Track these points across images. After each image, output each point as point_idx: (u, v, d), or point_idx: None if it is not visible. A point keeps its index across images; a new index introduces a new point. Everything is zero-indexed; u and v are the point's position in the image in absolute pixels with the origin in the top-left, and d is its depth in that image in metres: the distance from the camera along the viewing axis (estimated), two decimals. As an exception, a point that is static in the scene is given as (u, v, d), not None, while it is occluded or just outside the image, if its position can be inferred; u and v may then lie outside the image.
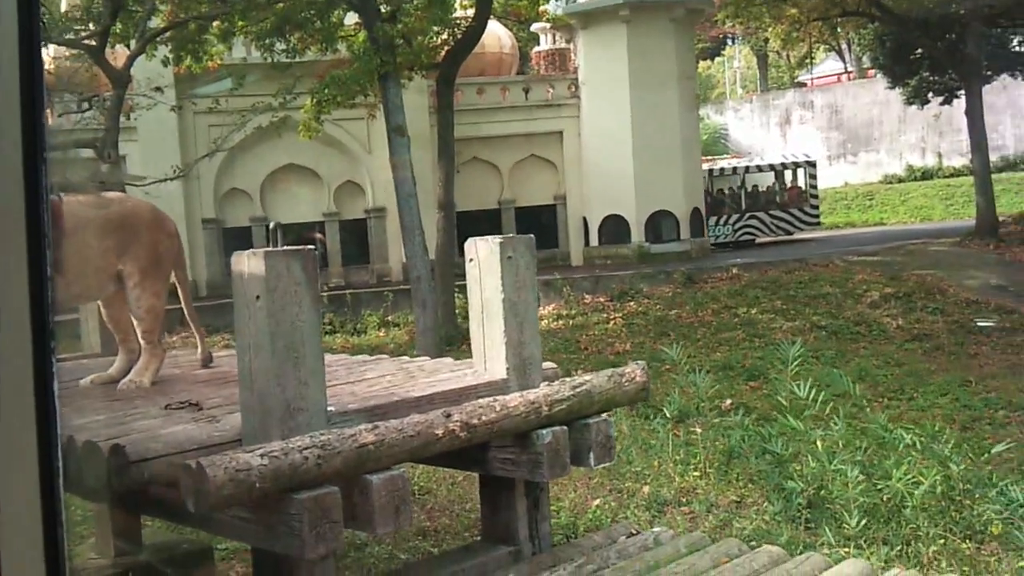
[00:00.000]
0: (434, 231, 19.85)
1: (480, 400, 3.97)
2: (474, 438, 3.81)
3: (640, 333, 20.41)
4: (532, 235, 4.52)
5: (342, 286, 24.60)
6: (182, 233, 23.21)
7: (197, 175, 22.22)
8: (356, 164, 26.16)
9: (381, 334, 20.20)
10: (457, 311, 20.75)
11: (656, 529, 5.04)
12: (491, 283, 4.28)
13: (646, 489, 7.55)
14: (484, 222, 27.24)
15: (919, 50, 28.60)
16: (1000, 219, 26.58)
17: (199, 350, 5.99)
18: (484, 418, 3.83)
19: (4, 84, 1.22)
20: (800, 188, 33.39)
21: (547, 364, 4.59)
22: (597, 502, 6.96)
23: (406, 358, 5.62)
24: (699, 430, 8.62)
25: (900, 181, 40.15)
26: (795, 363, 8.38)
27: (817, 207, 34.07)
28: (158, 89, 15.76)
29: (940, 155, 40.33)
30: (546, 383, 4.32)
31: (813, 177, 33.64)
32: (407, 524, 3.52)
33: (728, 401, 14.62)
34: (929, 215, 37.14)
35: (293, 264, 3.54)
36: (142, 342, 5.23)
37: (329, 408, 3.72)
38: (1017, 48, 29.84)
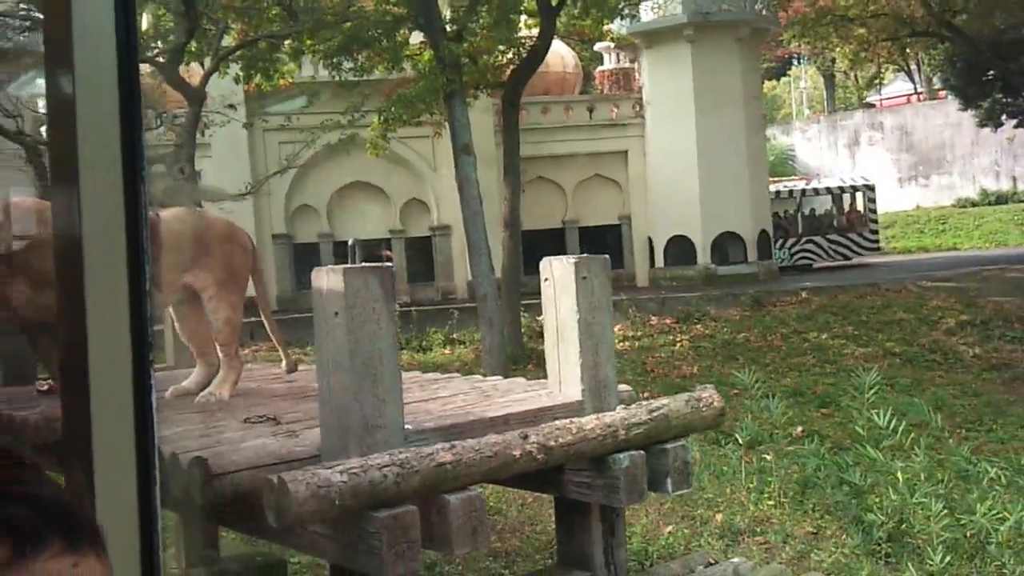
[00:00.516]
0: (499, 249, 19.86)
1: (556, 422, 3.91)
2: (550, 460, 3.75)
3: (707, 356, 20.13)
4: (607, 255, 4.45)
5: (408, 303, 24.73)
6: (252, 249, 23.51)
7: (268, 191, 22.59)
8: (422, 182, 26.36)
9: (447, 352, 20.23)
10: (523, 330, 20.72)
11: (735, 560, 4.91)
12: (566, 303, 4.22)
13: (719, 517, 7.39)
14: (548, 241, 27.24)
15: (991, 71, 27.94)
16: (1080, 245, 25.76)
17: (283, 361, 6.05)
18: (560, 440, 3.76)
19: (105, 102, 1.25)
20: (859, 212, 32.77)
21: (622, 387, 4.52)
22: (669, 528, 6.84)
23: (478, 377, 5.58)
24: (772, 457, 8.43)
25: (974, 205, 39.16)
26: (871, 391, 8.13)
27: (876, 232, 33.42)
28: (231, 106, 16.07)
29: (1015, 179, 39.27)
30: (622, 406, 4.24)
31: (872, 201, 33.01)
32: (484, 545, 3.47)
33: (799, 428, 14.32)
34: (1004, 240, 36.11)
35: (372, 281, 3.52)
36: (220, 354, 5.28)
37: (406, 426, 3.69)
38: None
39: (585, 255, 4.30)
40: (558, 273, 4.22)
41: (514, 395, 4.63)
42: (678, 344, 20.83)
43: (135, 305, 1.26)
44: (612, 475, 3.94)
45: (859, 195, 32.85)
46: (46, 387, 5.84)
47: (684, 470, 4.15)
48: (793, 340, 21.07)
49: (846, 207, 32.67)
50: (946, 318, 21.48)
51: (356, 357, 3.48)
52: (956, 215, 38.90)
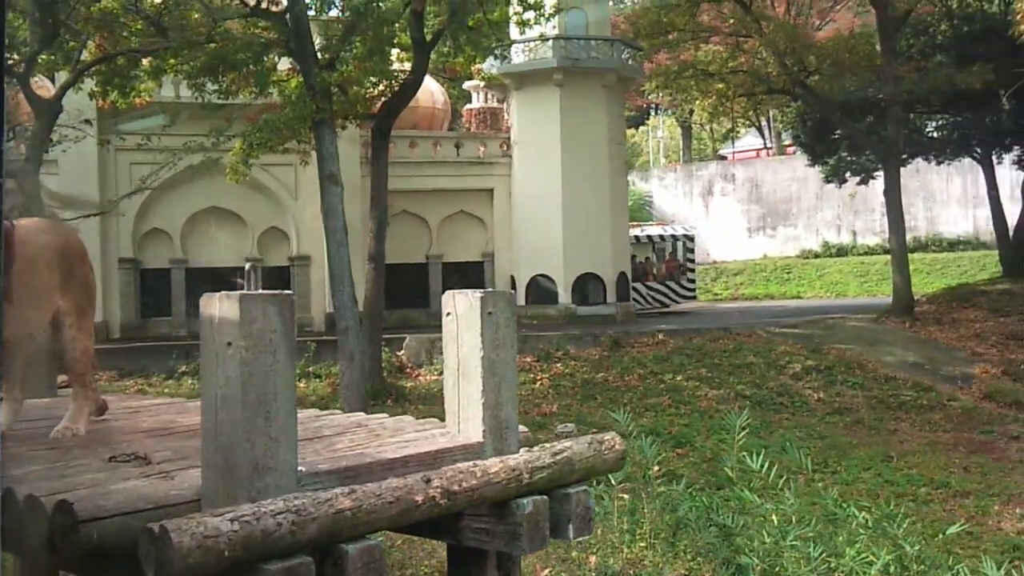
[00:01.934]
0: (362, 282, 19.49)
1: (459, 465, 3.69)
2: (454, 506, 3.53)
3: (567, 395, 20.26)
4: (513, 291, 4.30)
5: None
6: (97, 272, 22.44)
7: (119, 213, 21.50)
8: (282, 210, 25.70)
9: (302, 385, 19.60)
10: (384, 365, 20.33)
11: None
12: (469, 340, 4.03)
13: (593, 559, 7.29)
14: (412, 275, 27.03)
15: (838, 130, 29.59)
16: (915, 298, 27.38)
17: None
18: (464, 484, 3.55)
19: None
20: (678, 262, 33.98)
21: (521, 428, 4.34)
22: (546, 572, 6.67)
23: (362, 414, 5.29)
24: (644, 498, 8.41)
25: (816, 256, 41.31)
26: (742, 432, 8.25)
27: (693, 281, 34.84)
28: (87, 122, 15.21)
29: (855, 232, 41.67)
30: (525, 449, 4.06)
31: (691, 251, 34.44)
32: (382, 600, 3.19)
33: (656, 467, 14.52)
34: (844, 290, 38.17)
35: (270, 309, 3.24)
36: (76, 385, 4.79)
37: (299, 468, 3.40)
38: (932, 133, 31.09)
39: (491, 290, 4.12)
40: (462, 308, 4.03)
41: (406, 435, 4.38)
42: (538, 382, 20.89)
43: None
44: (514, 521, 3.75)
45: (679, 244, 34.07)
46: None
47: (586, 515, 4.00)
48: (650, 380, 21.49)
49: (667, 255, 33.69)
50: (793, 363, 22.35)
51: (249, 392, 3.17)
52: (800, 265, 40.90)
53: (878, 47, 26.22)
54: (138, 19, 16.00)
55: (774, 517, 6.96)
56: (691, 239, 34.60)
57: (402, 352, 22.06)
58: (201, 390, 3.33)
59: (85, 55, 16.37)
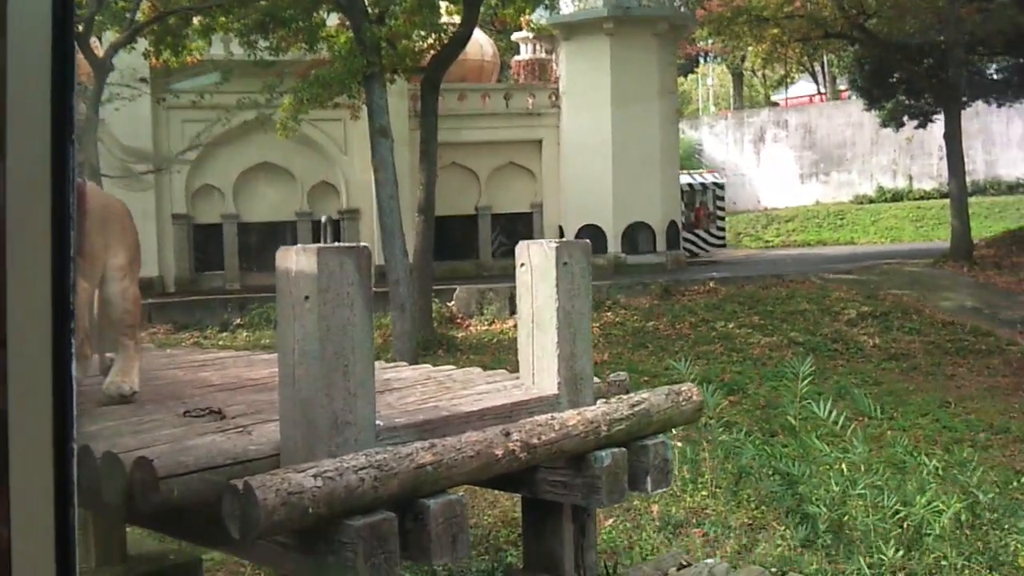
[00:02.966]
0: (412, 235, 19.49)
1: (537, 418, 3.63)
2: (533, 459, 3.47)
3: (618, 344, 20.18)
4: (588, 240, 4.19)
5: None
6: (152, 228, 22.54)
7: (177, 169, 21.71)
8: (331, 165, 25.73)
9: (355, 338, 19.70)
10: (434, 316, 20.40)
11: (708, 561, 4.73)
12: (544, 290, 3.94)
13: (655, 508, 7.24)
14: (461, 227, 27.01)
15: (897, 74, 28.78)
16: (973, 242, 26.77)
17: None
18: (543, 437, 3.49)
19: (36, 60, 1.18)
20: (708, 210, 33.41)
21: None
22: (610, 521, 6.65)
23: (428, 366, 5.26)
24: (706, 447, 8.34)
25: (871, 202, 40.41)
26: (805, 381, 8.10)
27: (723, 229, 34.22)
28: (143, 80, 15.26)
29: (911, 177, 40.68)
30: (602, 400, 3.99)
31: (720, 199, 33.82)
32: (465, 554, 3.17)
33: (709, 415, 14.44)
34: (899, 236, 37.38)
35: (347, 262, 3.17)
36: (124, 339, 4.70)
37: (377, 423, 3.36)
38: (993, 76, 30.12)
39: (566, 239, 4.03)
40: (536, 258, 3.93)
41: (478, 387, 4.32)
42: (590, 332, 20.80)
43: (58, 276, 1.17)
44: (592, 474, 3.69)
45: (709, 192, 33.48)
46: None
47: (664, 468, 3.93)
48: (701, 329, 21.31)
49: (696, 204, 33.13)
50: (847, 309, 22.00)
51: (327, 346, 3.12)
52: (854, 211, 40.07)
53: (940, -12, 25.37)
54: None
55: (843, 466, 6.84)
56: (721, 187, 34.01)
57: (452, 303, 22.11)
58: (278, 344, 3.30)
59: (139, 15, 16.42)
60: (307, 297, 3.12)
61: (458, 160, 26.57)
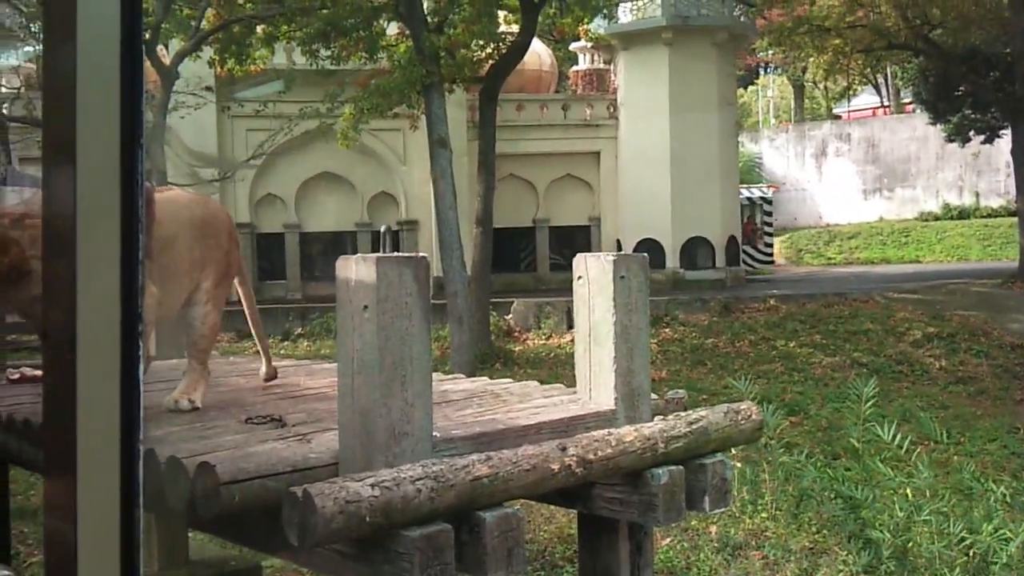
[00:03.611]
0: (470, 246, 19.55)
1: (593, 433, 3.59)
2: (589, 475, 3.44)
3: (676, 360, 20.00)
4: (646, 254, 4.16)
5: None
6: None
7: (240, 178, 22.09)
8: (391, 175, 25.97)
9: (412, 349, 19.81)
10: (491, 329, 20.42)
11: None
12: (602, 304, 3.91)
13: (714, 529, 7.13)
14: (518, 239, 27.04)
15: (962, 87, 28.19)
16: (1043, 262, 26.04)
17: (263, 365, 5.44)
18: (600, 453, 3.45)
19: (105, 66, 1.20)
20: (755, 225, 32.88)
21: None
22: (667, 541, 6.56)
23: (485, 379, 5.25)
24: (766, 468, 8.20)
25: (936, 219, 39.53)
26: (869, 404, 7.92)
27: (771, 246, 33.61)
28: (208, 88, 15.58)
29: (978, 194, 39.74)
30: (659, 417, 3.94)
31: (768, 215, 33.21)
32: (520, 569, 3.14)
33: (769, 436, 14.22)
34: (966, 255, 36.50)
35: (405, 272, 3.18)
36: (195, 361, 4.65)
37: (434, 434, 3.36)
38: (1065, 89, 29.32)
39: (624, 253, 4.00)
40: (594, 271, 3.91)
41: (534, 400, 4.31)
42: (647, 348, 20.65)
43: (126, 289, 1.19)
44: (649, 492, 3.64)
45: (756, 208, 32.95)
46: (17, 376, 5.42)
47: (722, 487, 3.87)
48: (761, 347, 21.03)
49: (744, 219, 32.64)
50: (913, 330, 21.55)
51: (385, 356, 3.13)
52: (919, 228, 39.24)
53: (1006, -1, 24.81)
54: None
55: (908, 491, 6.68)
56: (768, 202, 33.54)
57: (509, 316, 22.12)
58: (337, 353, 3.32)
59: (204, 24, 16.76)
60: (366, 307, 3.14)
61: (516, 172, 26.63)
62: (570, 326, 22.14)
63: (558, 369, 19.04)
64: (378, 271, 3.12)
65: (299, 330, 20.64)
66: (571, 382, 4.40)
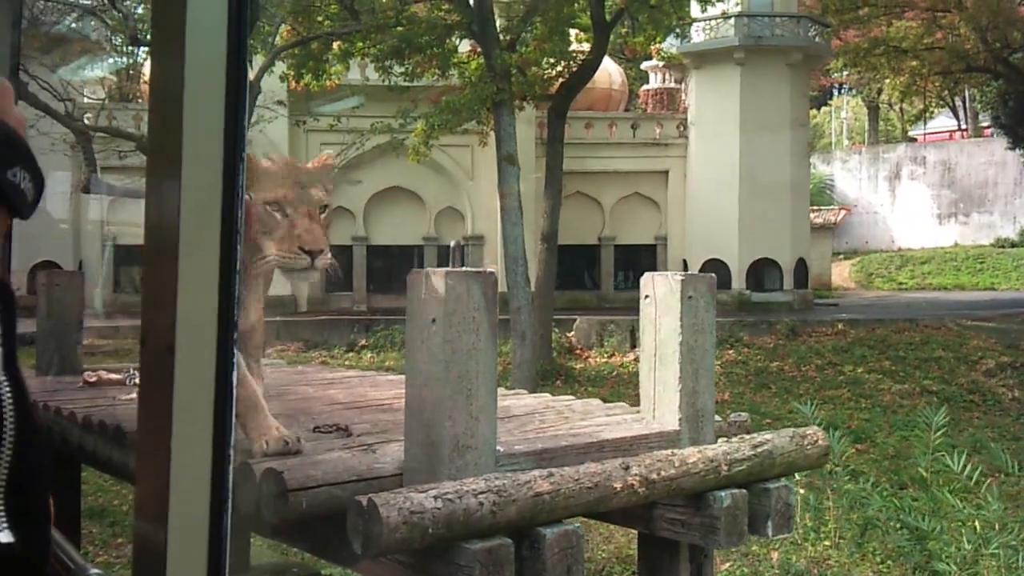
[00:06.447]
0: (535, 262, 19.60)
1: (657, 453, 3.59)
2: (651, 495, 3.44)
3: (739, 383, 19.76)
4: (713, 275, 4.15)
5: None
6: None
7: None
8: (458, 190, 26.18)
9: (475, 363, 19.91)
10: (553, 346, 20.41)
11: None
12: (668, 324, 3.91)
13: (775, 555, 7.04)
14: (583, 257, 27.02)
15: (1044, 111, 27.51)
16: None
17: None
18: (662, 473, 3.45)
19: (212, 78, 1.22)
20: None
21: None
22: (727, 566, 6.49)
23: (547, 395, 5.27)
24: (830, 495, 8.06)
25: (1013, 246, 38.45)
26: (939, 433, 7.75)
27: None
28: (281, 103, 15.95)
29: (1057, 222, 38.64)
30: (723, 439, 3.92)
31: None
32: (579, 586, 3.15)
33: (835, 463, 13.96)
34: (1043, 284, 35.47)
35: (473, 287, 3.23)
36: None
37: (497, 448, 3.39)
38: None
39: (691, 272, 4.00)
40: (661, 291, 3.91)
41: (596, 418, 4.31)
42: (711, 370, 20.45)
43: (224, 299, 1.22)
44: (711, 514, 3.62)
45: None
46: (94, 379, 5.59)
47: (786, 513, 3.83)
48: (828, 372, 20.70)
49: None
50: (986, 358, 21.03)
51: (452, 369, 3.18)
52: (995, 255, 38.22)
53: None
54: (332, 2, 16.59)
55: (976, 523, 6.51)
56: None
57: (572, 333, 22.08)
58: (405, 365, 3.37)
59: (277, 39, 17.15)
60: (434, 320, 3.18)
61: (583, 189, 26.64)
62: (633, 345, 22.02)
63: (620, 388, 18.95)
64: (447, 285, 3.17)
65: (363, 341, 20.88)
66: (633, 401, 4.41)
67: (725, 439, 3.91)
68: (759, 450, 3.80)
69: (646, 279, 4.02)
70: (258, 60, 16.22)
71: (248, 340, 3.66)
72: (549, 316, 19.92)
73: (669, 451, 3.62)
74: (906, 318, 23.76)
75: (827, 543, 7.56)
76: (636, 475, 3.36)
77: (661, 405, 3.98)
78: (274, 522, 3.19)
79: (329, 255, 3.25)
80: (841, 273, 38.34)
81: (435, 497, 2.91)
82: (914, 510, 7.94)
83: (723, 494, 3.64)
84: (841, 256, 39.61)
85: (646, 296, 4.00)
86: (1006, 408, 19.19)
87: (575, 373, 20.07)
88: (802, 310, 25.99)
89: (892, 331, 22.65)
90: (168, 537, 1.20)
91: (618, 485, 3.30)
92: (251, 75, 15.63)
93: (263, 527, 3.49)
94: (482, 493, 3.00)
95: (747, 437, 3.88)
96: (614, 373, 20.41)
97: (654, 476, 3.40)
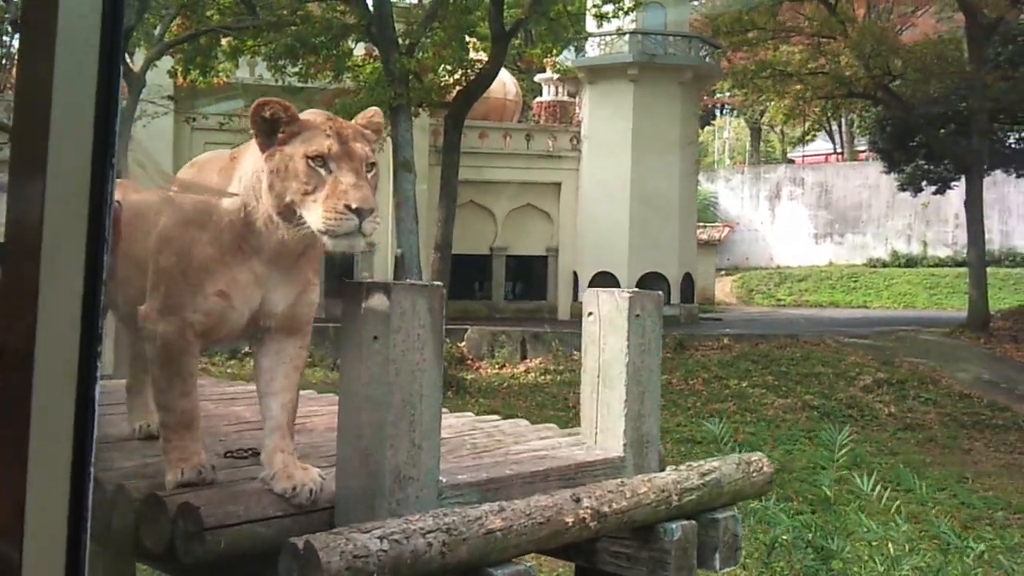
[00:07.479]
0: (428, 271, 19.30)
1: (607, 483, 3.35)
2: (603, 529, 3.19)
3: (630, 396, 19.87)
4: (660, 293, 3.95)
5: (322, 318, 23.85)
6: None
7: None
8: (349, 196, 25.56)
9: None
10: (444, 356, 20.08)
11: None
12: (614, 343, 3.69)
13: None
14: (475, 266, 26.79)
15: (918, 138, 28.71)
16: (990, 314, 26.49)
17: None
18: (614, 506, 3.21)
19: (83, 72, 1.16)
20: None
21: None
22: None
23: (470, 415, 4.97)
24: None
25: (884, 265, 40.22)
26: (843, 451, 7.77)
27: None
28: (170, 98, 15.19)
29: (925, 243, 40.53)
30: (671, 468, 3.72)
31: None
32: (529, 631, 2.87)
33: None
34: (912, 302, 37.12)
35: (419, 302, 2.93)
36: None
37: (439, 479, 3.08)
38: (1013, 145, 30.05)
39: (639, 290, 3.78)
40: (606, 308, 3.68)
41: (531, 442, 4.05)
42: (602, 383, 20.50)
43: (88, 308, 1.16)
44: (661, 547, 3.41)
45: None
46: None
47: (733, 544, 3.65)
48: (714, 385, 21.02)
49: None
50: (863, 375, 21.73)
51: (395, 392, 2.86)
52: (867, 274, 39.85)
53: (966, 54, 25.37)
54: (227, -3, 15.98)
55: (890, 546, 6.52)
56: None
57: (463, 343, 21.82)
58: (340, 386, 3.04)
59: (168, 33, 16.37)
60: (376, 338, 2.87)
61: (476, 199, 26.45)
62: (524, 356, 21.92)
63: (511, 400, 18.76)
64: (392, 299, 2.86)
65: (246, 347, 20.09)
66: (526, 414, 4.17)
67: (673, 467, 3.70)
68: (707, 479, 3.61)
69: (590, 295, 3.79)
70: (145, 52, 15.42)
71: (305, 325, 3.23)
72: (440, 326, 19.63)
73: (618, 481, 3.38)
74: (787, 334, 24.39)
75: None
76: (587, 508, 3.11)
77: (605, 429, 3.75)
78: (188, 563, 2.81)
79: (378, 218, 2.89)
80: (723, 288, 39.28)
81: (380, 538, 2.58)
82: (819, 528, 7.94)
83: (673, 526, 3.43)
84: (723, 272, 40.60)
85: (590, 313, 3.77)
86: (883, 423, 19.85)
87: (466, 384, 19.80)
88: (688, 324, 26.40)
89: (775, 346, 23.19)
90: (23, 561, 1.12)
91: (570, 519, 3.04)
92: (135, 68, 14.85)
93: (176, 570, 3.08)
94: (431, 532, 2.69)
95: (694, 464, 3.69)
96: (505, 384, 20.22)
97: (605, 509, 3.16)
